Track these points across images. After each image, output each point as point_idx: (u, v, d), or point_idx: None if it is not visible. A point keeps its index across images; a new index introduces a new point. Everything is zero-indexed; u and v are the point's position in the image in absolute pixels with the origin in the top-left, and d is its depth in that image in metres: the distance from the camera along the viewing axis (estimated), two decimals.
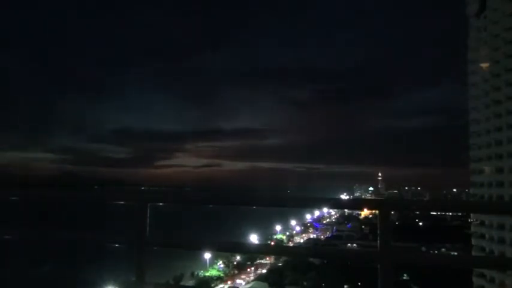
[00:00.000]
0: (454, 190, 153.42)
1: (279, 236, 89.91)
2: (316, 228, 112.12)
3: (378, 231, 2.19)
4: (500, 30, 47.93)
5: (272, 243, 66.42)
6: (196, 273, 58.87)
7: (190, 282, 53.27)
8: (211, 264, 61.77)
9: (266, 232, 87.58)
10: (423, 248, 70.73)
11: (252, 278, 61.51)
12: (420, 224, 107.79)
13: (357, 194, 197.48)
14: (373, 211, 2.32)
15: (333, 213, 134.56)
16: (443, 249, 71.04)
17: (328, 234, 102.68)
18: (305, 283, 55.43)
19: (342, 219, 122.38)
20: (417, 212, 48.18)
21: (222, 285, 58.05)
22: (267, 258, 67.09)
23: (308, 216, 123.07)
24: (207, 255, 56.74)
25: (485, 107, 49.92)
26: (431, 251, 64.07)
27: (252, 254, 54.84)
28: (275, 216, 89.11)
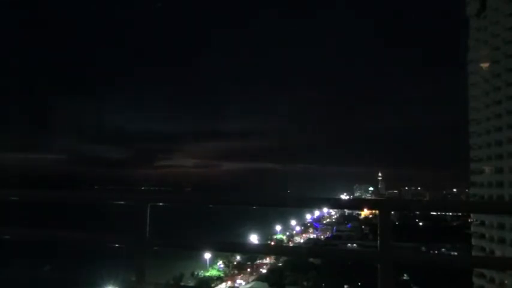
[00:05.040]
0: (454, 190, 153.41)
1: (279, 236, 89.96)
2: (316, 228, 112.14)
3: (378, 231, 2.19)
4: (500, 30, 47.97)
5: (272, 243, 66.46)
6: (196, 273, 58.91)
7: (191, 282, 53.27)
8: (211, 264, 61.81)
9: (266, 232, 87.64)
10: (423, 248, 70.74)
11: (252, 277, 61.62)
12: (420, 224, 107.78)
13: (357, 194, 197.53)
14: (373, 211, 2.32)
15: (333, 213, 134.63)
16: (443, 249, 71.04)
17: (328, 234, 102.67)
18: (305, 283, 55.45)
19: (342, 219, 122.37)
20: (417, 212, 48.23)
21: (222, 285, 58.08)
22: (267, 258, 67.14)
23: (308, 216, 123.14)
24: (207, 255, 56.78)
25: (485, 107, 49.95)
26: (431, 251, 64.11)
27: (252, 254, 54.92)
28: (275, 216, 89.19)
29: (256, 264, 66.84)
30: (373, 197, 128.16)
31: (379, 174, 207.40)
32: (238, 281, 60.14)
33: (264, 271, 64.33)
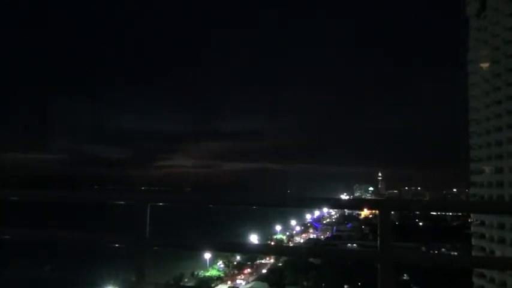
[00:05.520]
0: (454, 190, 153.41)
1: (279, 236, 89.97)
2: (316, 228, 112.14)
3: (378, 231, 2.19)
4: (500, 30, 47.95)
5: (272, 243, 66.43)
6: (196, 273, 58.92)
7: (191, 282, 53.30)
8: (211, 264, 61.82)
9: (266, 232, 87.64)
10: (423, 248, 70.74)
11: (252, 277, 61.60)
12: (420, 224, 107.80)
13: (357, 194, 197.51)
14: (373, 211, 2.32)
15: (333, 213, 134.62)
16: (443, 249, 71.04)
17: (328, 234, 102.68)
18: (305, 283, 55.45)
19: (342, 219, 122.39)
20: (417, 212, 48.25)
21: (222, 285, 58.07)
22: (267, 258, 67.13)
23: (308, 216, 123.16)
24: (207, 255, 56.80)
25: (485, 107, 49.94)
26: (431, 251, 64.10)
27: (252, 254, 54.93)
28: (275, 216, 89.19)
29: (256, 264, 66.84)
30: (373, 197, 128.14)
31: (379, 174, 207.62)
32: (238, 281, 60.14)
33: (264, 271, 64.34)
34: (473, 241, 51.10)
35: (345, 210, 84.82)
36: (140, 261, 2.52)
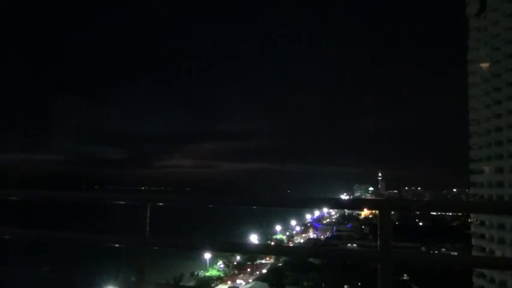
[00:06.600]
0: (454, 190, 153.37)
1: (279, 236, 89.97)
2: (316, 228, 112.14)
3: (378, 231, 2.19)
4: (500, 30, 47.95)
5: (272, 243, 66.42)
6: (196, 273, 58.92)
7: (191, 282, 53.30)
8: (211, 264, 61.82)
9: (266, 232, 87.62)
10: (423, 248, 70.74)
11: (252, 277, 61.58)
12: (420, 224, 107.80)
13: (357, 194, 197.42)
14: (373, 211, 2.32)
15: (333, 213, 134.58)
16: (443, 249, 71.04)
17: (328, 234, 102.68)
18: (305, 283, 55.42)
19: (342, 219, 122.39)
20: (417, 212, 48.23)
21: (222, 285, 58.06)
22: (267, 258, 67.11)
23: (308, 216, 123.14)
24: (207, 255, 56.79)
25: (485, 107, 49.93)
26: (431, 251, 64.07)
27: (252, 254, 54.88)
28: (275, 216, 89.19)
29: (256, 264, 66.82)
30: (373, 197, 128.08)
31: (379, 174, 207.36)
32: (238, 281, 60.13)
33: (264, 271, 64.31)
34: (473, 241, 51.08)
35: (345, 210, 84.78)
36: (140, 261, 2.52)
